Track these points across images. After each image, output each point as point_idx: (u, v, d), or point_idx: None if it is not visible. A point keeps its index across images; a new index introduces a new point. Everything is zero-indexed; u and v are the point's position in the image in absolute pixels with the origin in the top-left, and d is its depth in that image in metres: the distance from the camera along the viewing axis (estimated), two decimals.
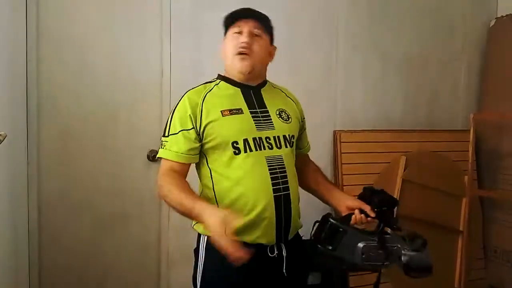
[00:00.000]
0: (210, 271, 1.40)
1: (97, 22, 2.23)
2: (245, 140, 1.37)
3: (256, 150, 1.37)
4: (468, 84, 3.11)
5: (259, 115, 1.43)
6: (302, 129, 1.59)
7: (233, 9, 1.49)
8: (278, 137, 1.43)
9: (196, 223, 1.43)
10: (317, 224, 1.41)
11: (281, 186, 1.38)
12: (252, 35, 1.42)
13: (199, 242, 1.44)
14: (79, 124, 2.22)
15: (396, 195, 2.63)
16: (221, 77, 1.50)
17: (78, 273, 2.25)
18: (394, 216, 1.43)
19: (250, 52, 1.41)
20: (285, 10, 2.54)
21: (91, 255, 2.27)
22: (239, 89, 1.45)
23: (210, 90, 1.44)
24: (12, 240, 2.01)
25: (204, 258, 1.41)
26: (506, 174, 2.86)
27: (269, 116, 1.45)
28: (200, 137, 1.38)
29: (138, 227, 2.35)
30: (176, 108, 1.42)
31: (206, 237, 1.40)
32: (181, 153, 1.37)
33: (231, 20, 1.46)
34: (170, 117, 1.42)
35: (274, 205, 1.36)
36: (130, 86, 2.30)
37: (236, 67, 1.42)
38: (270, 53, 1.50)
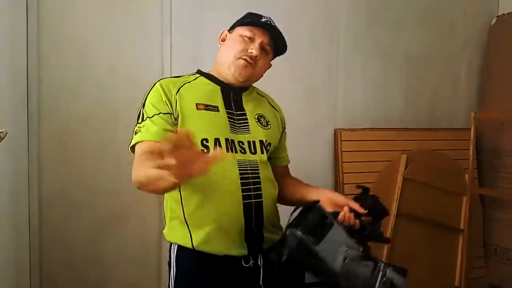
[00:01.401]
0: (181, 284, 1.30)
1: (98, 22, 2.23)
2: (217, 140, 1.26)
3: (228, 151, 1.26)
4: (469, 83, 3.11)
5: (235, 117, 1.34)
6: (282, 138, 1.50)
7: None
8: (254, 142, 1.33)
9: (164, 229, 1.35)
10: (301, 209, 1.23)
11: (252, 193, 1.27)
12: (262, 49, 1.36)
13: (170, 253, 1.34)
14: (79, 123, 2.22)
15: (396, 193, 2.63)
16: (201, 73, 1.43)
17: (79, 272, 2.25)
18: (381, 229, 1.26)
19: (254, 64, 1.35)
20: (285, 10, 2.54)
21: (92, 254, 2.27)
22: (218, 87, 1.37)
23: (187, 82, 1.36)
24: (13, 239, 2.01)
25: (175, 271, 1.32)
26: (507, 172, 2.86)
27: (246, 119, 1.36)
28: (174, 123, 1.26)
29: (138, 226, 2.35)
30: (149, 94, 1.32)
31: (176, 246, 1.31)
32: (161, 131, 1.22)
33: (248, 22, 1.38)
34: (142, 104, 1.32)
35: (243, 213, 1.25)
36: (130, 85, 2.29)
37: (234, 69, 1.34)
38: (265, 69, 1.44)
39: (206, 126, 1.28)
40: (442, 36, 3.00)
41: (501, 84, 2.92)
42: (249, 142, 1.33)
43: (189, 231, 1.26)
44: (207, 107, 1.31)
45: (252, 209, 1.26)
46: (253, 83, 1.45)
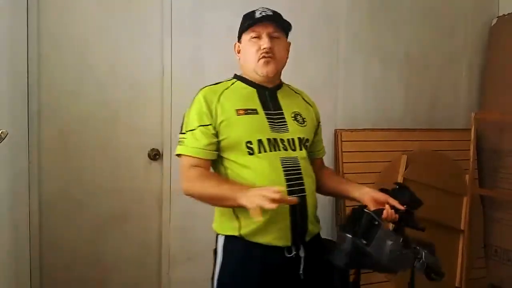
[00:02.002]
0: (228, 271, 1.39)
1: (98, 22, 2.23)
2: (259, 141, 1.36)
3: (271, 151, 1.37)
4: (469, 83, 3.11)
5: (273, 117, 1.43)
6: (316, 133, 1.58)
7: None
8: (293, 139, 1.42)
9: (214, 222, 1.46)
10: (350, 213, 1.34)
11: (296, 188, 1.36)
12: (271, 37, 1.42)
13: (217, 242, 1.44)
14: (80, 123, 2.22)
15: None
16: (237, 77, 1.51)
17: (79, 273, 2.25)
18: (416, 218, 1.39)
19: (273, 55, 1.42)
20: (285, 9, 2.51)
21: (92, 254, 2.27)
22: (254, 89, 1.45)
23: (226, 89, 1.45)
24: (13, 239, 2.01)
25: (222, 258, 1.41)
26: (507, 173, 2.86)
27: (283, 118, 1.44)
28: (216, 134, 1.38)
29: (139, 226, 2.35)
30: (192, 105, 1.42)
31: (223, 237, 1.41)
32: (200, 148, 1.36)
33: (247, 25, 1.44)
34: (187, 114, 1.42)
35: (289, 208, 1.33)
36: (130, 85, 2.29)
37: (260, 71, 1.42)
38: (287, 50, 1.52)
39: (248, 129, 1.37)
40: (443, 37, 3.00)
41: (502, 84, 2.92)
42: (288, 140, 1.41)
43: (239, 223, 1.36)
44: (247, 111, 1.40)
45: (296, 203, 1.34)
46: (283, 69, 1.51)
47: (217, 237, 1.44)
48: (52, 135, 2.18)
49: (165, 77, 2.33)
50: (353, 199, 1.52)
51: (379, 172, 2.68)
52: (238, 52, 1.52)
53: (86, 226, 2.25)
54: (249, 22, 1.43)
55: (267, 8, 1.46)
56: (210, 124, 1.37)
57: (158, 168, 2.35)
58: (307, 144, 1.48)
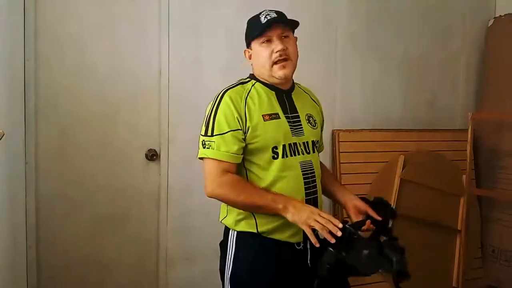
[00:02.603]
0: (240, 264, 1.43)
1: (96, 21, 2.22)
2: (284, 146, 1.41)
3: (292, 155, 1.42)
4: (466, 84, 3.12)
5: (291, 120, 1.46)
6: (321, 130, 1.63)
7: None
8: (307, 142, 1.47)
9: (224, 217, 1.48)
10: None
11: (311, 190, 1.45)
12: (281, 39, 1.44)
13: (228, 236, 1.46)
14: (77, 123, 2.21)
15: (394, 194, 2.63)
16: (255, 78, 1.50)
17: (77, 273, 2.25)
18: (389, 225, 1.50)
19: (288, 56, 1.44)
20: (284, 10, 2.53)
21: (90, 254, 2.26)
22: (273, 92, 1.47)
23: (249, 91, 1.45)
24: (10, 239, 2.00)
25: (234, 250, 1.44)
26: (504, 173, 2.86)
27: (299, 121, 1.48)
28: (245, 138, 1.39)
29: (136, 226, 2.34)
30: (219, 108, 1.40)
31: (236, 232, 1.44)
32: (232, 153, 1.37)
33: (256, 34, 1.44)
34: (213, 116, 1.40)
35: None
36: (128, 85, 2.29)
37: (278, 75, 1.43)
38: (297, 46, 1.53)
39: (274, 135, 1.41)
40: (440, 37, 3.00)
41: (499, 84, 2.93)
42: (304, 143, 1.47)
43: (256, 221, 1.41)
44: (271, 116, 1.42)
45: (311, 203, 1.42)
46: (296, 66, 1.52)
47: (227, 231, 1.47)
48: (49, 135, 2.17)
49: (163, 77, 2.33)
50: (337, 202, 1.65)
51: (377, 172, 2.68)
52: (249, 58, 1.52)
53: (83, 226, 2.25)
54: (257, 31, 1.43)
55: (269, 10, 1.46)
56: (240, 129, 1.38)
57: (155, 169, 2.34)
58: (317, 145, 1.54)
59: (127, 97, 2.29)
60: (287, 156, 1.41)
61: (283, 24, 1.45)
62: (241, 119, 1.38)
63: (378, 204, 1.53)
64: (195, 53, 2.38)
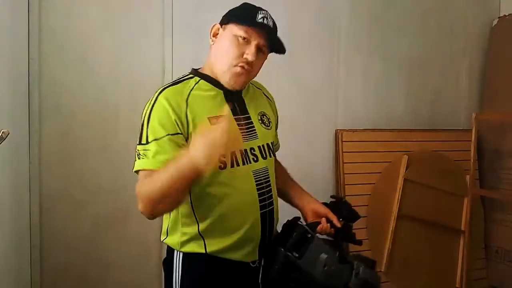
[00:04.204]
0: (190, 286, 1.28)
1: (99, 21, 2.23)
2: (232, 153, 1.19)
3: (244, 164, 1.23)
4: (470, 84, 3.11)
5: (242, 122, 1.28)
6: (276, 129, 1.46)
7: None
8: (263, 146, 1.30)
9: (165, 238, 1.33)
10: (285, 226, 1.30)
11: (267, 202, 1.27)
12: (258, 50, 1.25)
13: (172, 256, 1.30)
14: (80, 123, 2.22)
15: (397, 194, 2.63)
16: (199, 74, 1.31)
17: (79, 272, 2.25)
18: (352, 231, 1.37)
19: (251, 69, 1.26)
20: (286, 10, 2.54)
21: (92, 254, 2.27)
22: (221, 91, 1.28)
23: (191, 90, 1.25)
24: (14, 238, 2.01)
25: (181, 276, 1.28)
26: (508, 174, 2.85)
27: (251, 123, 1.30)
28: (183, 145, 1.17)
29: (139, 226, 2.34)
30: (153, 110, 1.21)
31: (181, 253, 1.28)
32: (161, 161, 1.16)
33: (243, 22, 1.25)
34: (147, 120, 1.21)
35: (260, 223, 1.25)
36: (131, 85, 2.29)
37: (230, 79, 1.25)
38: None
39: None
40: (443, 37, 3.00)
41: (503, 85, 2.92)
42: (259, 147, 1.29)
43: (204, 242, 1.24)
44: (220, 120, 1.18)
45: (267, 217, 1.27)
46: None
47: (171, 250, 1.31)
48: (53, 135, 2.18)
49: (166, 77, 2.33)
50: (294, 206, 1.45)
51: (380, 172, 2.68)
52: (214, 36, 1.32)
53: (86, 226, 2.25)
54: (247, 20, 1.24)
55: (270, 16, 1.28)
56: (180, 133, 1.17)
57: None
58: (273, 148, 1.37)
59: (131, 97, 2.30)
60: (238, 165, 1.21)
61: (268, 37, 1.26)
62: (181, 123, 1.18)
63: (337, 205, 1.38)
64: (198, 54, 2.37)
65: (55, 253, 2.20)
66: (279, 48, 1.30)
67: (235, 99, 1.30)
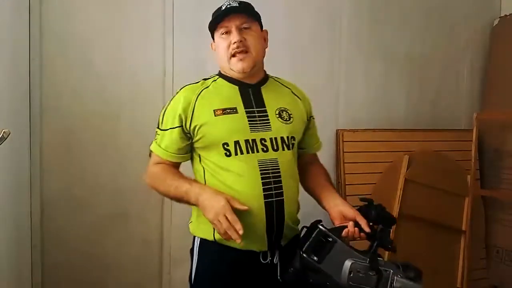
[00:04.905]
0: (202, 274, 1.38)
1: (100, 22, 2.23)
2: (236, 142, 1.30)
3: (248, 153, 1.30)
4: (471, 83, 3.11)
5: (256, 115, 1.35)
6: (308, 128, 1.50)
7: None
8: (276, 138, 1.35)
9: (190, 223, 1.44)
10: (305, 230, 1.29)
11: (273, 192, 1.30)
12: (241, 30, 1.35)
13: (194, 243, 1.42)
14: (81, 123, 2.22)
15: (398, 194, 2.62)
16: (220, 74, 1.44)
17: (80, 272, 2.25)
18: (390, 237, 1.28)
19: (247, 48, 1.34)
20: (287, 9, 2.54)
21: (93, 253, 2.27)
22: (237, 87, 1.38)
23: (207, 87, 1.39)
24: (15, 238, 2.01)
25: (197, 260, 1.39)
26: (509, 174, 2.85)
27: (266, 116, 1.36)
28: (188, 135, 1.35)
29: (140, 226, 2.35)
30: (170, 103, 1.40)
31: (199, 239, 1.38)
32: (169, 152, 1.36)
33: (214, 23, 1.40)
34: (164, 109, 1.41)
35: (264, 212, 1.29)
36: (132, 85, 2.29)
37: (236, 68, 1.36)
38: (264, 39, 1.43)
39: (225, 130, 1.31)
40: (444, 37, 3.00)
41: (504, 84, 2.92)
42: (271, 139, 1.34)
43: (212, 227, 1.30)
44: (225, 111, 1.33)
45: (274, 207, 1.30)
46: (262, 60, 1.43)
47: (194, 238, 1.43)
48: (54, 135, 2.18)
49: (167, 77, 2.33)
50: (323, 208, 1.45)
51: (381, 172, 2.68)
52: (215, 50, 1.46)
53: (87, 225, 2.25)
54: (214, 18, 1.39)
55: (233, 0, 1.39)
56: (179, 127, 1.34)
57: None
58: (293, 142, 1.39)
59: (132, 97, 2.30)
60: (241, 153, 1.30)
61: (243, 14, 1.35)
62: (185, 117, 1.33)
63: (369, 209, 1.31)
64: (199, 53, 2.38)
65: (55, 253, 2.20)
66: (254, 14, 1.40)
67: (252, 93, 1.39)
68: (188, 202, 1.31)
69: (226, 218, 1.19)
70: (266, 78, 1.46)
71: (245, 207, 1.23)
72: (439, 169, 2.75)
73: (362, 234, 1.28)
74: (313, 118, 1.55)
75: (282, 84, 1.50)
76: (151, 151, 1.42)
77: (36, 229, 2.16)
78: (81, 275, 2.25)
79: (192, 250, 1.43)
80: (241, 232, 1.18)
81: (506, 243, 2.86)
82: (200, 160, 1.37)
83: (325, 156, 2.73)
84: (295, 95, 1.49)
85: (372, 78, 2.80)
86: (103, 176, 2.26)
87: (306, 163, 1.53)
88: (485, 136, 2.95)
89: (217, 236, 1.29)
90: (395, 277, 1.15)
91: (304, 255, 1.18)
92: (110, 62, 2.25)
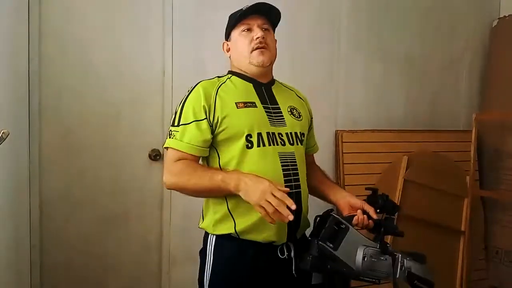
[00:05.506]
0: (218, 273, 1.36)
1: (100, 21, 2.23)
2: (259, 134, 1.34)
3: (270, 145, 1.35)
4: (470, 84, 3.11)
5: (271, 110, 1.42)
6: (310, 128, 1.59)
7: (236, 8, 1.48)
8: (291, 133, 1.41)
9: (202, 222, 1.43)
10: (318, 219, 1.34)
11: (293, 184, 1.35)
12: (263, 29, 1.43)
13: (206, 242, 1.40)
14: (81, 123, 2.22)
15: (398, 195, 2.63)
16: (233, 73, 1.49)
17: (80, 272, 2.25)
18: (395, 223, 1.37)
19: (267, 45, 1.42)
20: (286, 9, 2.51)
21: (93, 254, 2.27)
22: (251, 84, 1.44)
23: (224, 82, 1.43)
24: (14, 238, 2.01)
25: (212, 259, 1.37)
26: (508, 174, 2.85)
27: (280, 112, 1.43)
28: (212, 128, 1.34)
29: (139, 226, 2.35)
30: (189, 97, 1.37)
31: (214, 236, 1.38)
32: (194, 145, 1.32)
33: (237, 19, 1.44)
34: (181, 106, 1.37)
35: None
36: (132, 85, 2.29)
37: (256, 61, 1.41)
38: (275, 45, 1.51)
39: (248, 122, 1.34)
40: (444, 38, 3.00)
41: (503, 85, 2.92)
42: (287, 134, 1.40)
43: (234, 221, 1.33)
44: (246, 104, 1.38)
45: (293, 199, 1.29)
46: (274, 61, 1.49)
47: (206, 237, 1.41)
48: (53, 135, 2.18)
49: (166, 77, 2.34)
50: (330, 202, 1.52)
51: (380, 173, 2.68)
52: (228, 51, 1.51)
53: (86, 226, 2.25)
54: (238, 18, 1.43)
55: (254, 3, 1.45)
56: (205, 119, 1.33)
57: (158, 168, 2.35)
58: (303, 139, 1.47)
59: (131, 97, 2.30)
60: (264, 145, 1.33)
61: (264, 16, 1.44)
62: (209, 109, 1.34)
63: (375, 198, 1.41)
64: (198, 54, 2.38)
65: (55, 253, 2.21)
66: (275, 17, 1.48)
67: (264, 90, 1.45)
68: (224, 191, 1.28)
69: (274, 196, 1.18)
70: (273, 80, 1.54)
71: (287, 189, 1.23)
72: (438, 170, 2.75)
73: (370, 221, 1.35)
74: (313, 120, 1.63)
75: (287, 87, 1.59)
76: (166, 148, 1.37)
77: (35, 229, 2.16)
78: (81, 274, 2.25)
79: (204, 251, 1.41)
80: (293, 207, 1.17)
81: (506, 243, 2.86)
82: (218, 157, 1.37)
83: (324, 157, 2.75)
84: (299, 97, 1.59)
85: (371, 78, 2.80)
86: (103, 177, 2.26)
87: (308, 164, 1.56)
88: (484, 137, 2.95)
89: (239, 228, 1.32)
90: (404, 260, 1.23)
91: (321, 242, 1.20)
92: (110, 62, 2.26)
